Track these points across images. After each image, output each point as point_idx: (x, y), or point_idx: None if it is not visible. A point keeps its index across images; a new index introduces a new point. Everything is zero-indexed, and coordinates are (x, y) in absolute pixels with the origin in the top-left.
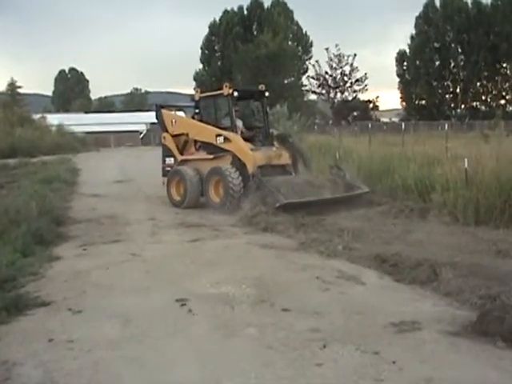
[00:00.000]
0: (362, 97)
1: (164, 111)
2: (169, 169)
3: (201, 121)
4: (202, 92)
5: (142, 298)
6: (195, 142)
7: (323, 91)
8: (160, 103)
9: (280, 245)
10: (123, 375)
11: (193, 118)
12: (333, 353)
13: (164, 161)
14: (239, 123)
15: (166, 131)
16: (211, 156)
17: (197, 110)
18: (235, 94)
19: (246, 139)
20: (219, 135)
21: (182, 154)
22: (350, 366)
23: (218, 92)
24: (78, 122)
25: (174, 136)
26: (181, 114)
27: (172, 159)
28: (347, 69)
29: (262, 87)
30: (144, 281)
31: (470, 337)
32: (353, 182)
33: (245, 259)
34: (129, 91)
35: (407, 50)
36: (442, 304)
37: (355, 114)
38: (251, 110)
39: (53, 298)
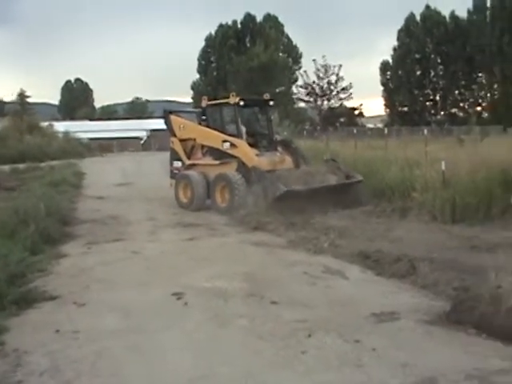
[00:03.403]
0: (348, 104)
1: (172, 116)
2: (176, 171)
3: (207, 127)
4: (209, 100)
5: (142, 292)
6: (202, 147)
7: (311, 99)
8: (169, 109)
9: (270, 243)
10: (124, 363)
11: (199, 124)
12: (317, 341)
13: (172, 164)
14: (243, 129)
15: (175, 136)
16: (217, 162)
17: (204, 117)
18: (241, 102)
19: (250, 145)
20: (225, 141)
21: (189, 158)
22: (333, 353)
23: (225, 100)
24: (83, 129)
25: (181, 140)
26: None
27: (179, 163)
28: (333, 78)
29: (266, 96)
30: (144, 276)
31: (444, 325)
32: (348, 172)
33: (237, 256)
34: (130, 100)
35: (390, 61)
36: (419, 296)
37: (341, 120)
38: (255, 116)
39: (59, 292)
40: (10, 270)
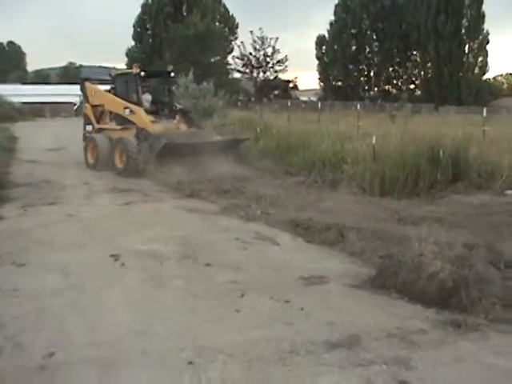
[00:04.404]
0: (283, 77)
1: (87, 83)
2: (88, 135)
3: (115, 95)
4: (119, 69)
5: (80, 254)
6: (110, 113)
7: (247, 70)
8: (85, 76)
9: (204, 209)
10: (65, 319)
11: (109, 91)
12: (250, 301)
13: (85, 128)
14: (148, 97)
15: (88, 102)
16: (120, 127)
17: (113, 85)
18: (142, 73)
19: (152, 112)
20: (127, 108)
21: (98, 122)
22: (265, 311)
23: (129, 71)
24: (16, 93)
25: (93, 106)
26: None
27: (91, 127)
28: (270, 50)
29: (169, 68)
30: (80, 238)
31: (370, 289)
32: (236, 134)
33: (172, 221)
34: (64, 64)
35: (326, 35)
36: (347, 262)
37: (276, 92)
38: (162, 87)
39: None
40: None
